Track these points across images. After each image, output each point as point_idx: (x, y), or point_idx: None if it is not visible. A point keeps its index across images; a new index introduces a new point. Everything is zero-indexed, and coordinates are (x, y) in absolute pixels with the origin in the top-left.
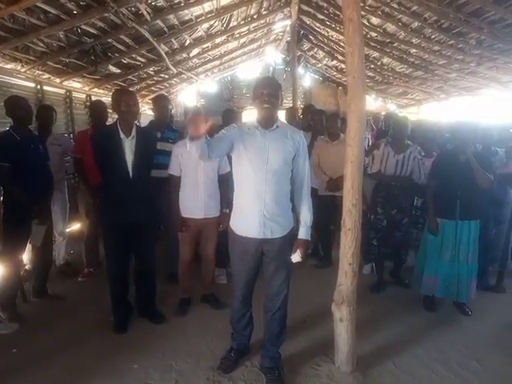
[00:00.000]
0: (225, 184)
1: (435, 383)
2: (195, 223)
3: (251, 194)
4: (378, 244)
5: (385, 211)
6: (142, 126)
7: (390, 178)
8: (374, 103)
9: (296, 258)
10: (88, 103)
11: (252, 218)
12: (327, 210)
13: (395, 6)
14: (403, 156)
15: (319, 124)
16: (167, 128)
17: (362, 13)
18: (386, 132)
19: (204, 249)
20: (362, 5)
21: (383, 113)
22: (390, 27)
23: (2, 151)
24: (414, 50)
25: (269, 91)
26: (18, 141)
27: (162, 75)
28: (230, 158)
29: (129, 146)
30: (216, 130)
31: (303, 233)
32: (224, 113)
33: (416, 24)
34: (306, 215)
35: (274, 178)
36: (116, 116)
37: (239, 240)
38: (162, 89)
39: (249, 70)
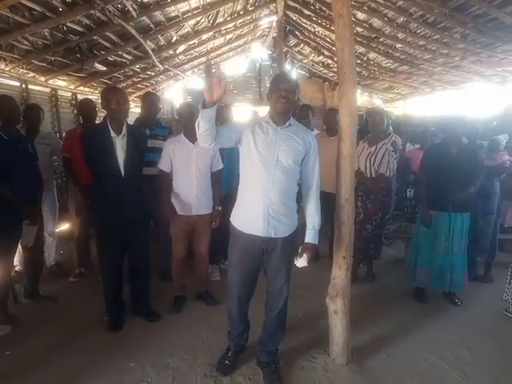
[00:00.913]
0: (217, 181)
1: (428, 372)
2: (188, 220)
3: (257, 190)
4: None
5: (363, 204)
6: (129, 123)
7: (366, 179)
8: (360, 98)
9: (302, 262)
10: (74, 102)
11: (256, 215)
12: None
13: (381, 1)
14: (375, 148)
15: (305, 119)
16: (156, 125)
17: None
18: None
19: (197, 246)
20: None
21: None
22: (376, 22)
23: None
24: (400, 45)
25: (286, 87)
26: (6, 141)
27: (149, 72)
28: (223, 155)
29: (120, 145)
30: (228, 95)
31: (311, 236)
32: (221, 108)
33: (401, 19)
34: (315, 218)
35: (282, 177)
36: (104, 114)
37: (240, 237)
38: (148, 86)
39: (235, 67)
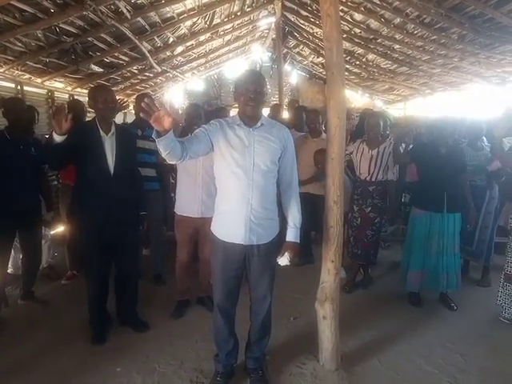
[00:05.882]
0: None
1: (420, 379)
2: (192, 222)
3: (237, 197)
4: (353, 242)
5: (359, 209)
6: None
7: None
8: (360, 99)
9: (283, 261)
10: None
11: (237, 222)
12: (304, 207)
13: (377, 1)
14: (377, 151)
15: (299, 120)
16: (148, 126)
17: (345, 9)
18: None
19: (202, 249)
20: (344, 0)
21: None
22: (373, 23)
23: None
24: (398, 46)
25: (255, 87)
26: (8, 140)
27: (147, 74)
28: None
29: (109, 144)
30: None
31: (292, 235)
32: (216, 111)
33: (398, 20)
34: (295, 216)
35: (261, 181)
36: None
37: (222, 246)
38: (147, 88)
39: (235, 68)
